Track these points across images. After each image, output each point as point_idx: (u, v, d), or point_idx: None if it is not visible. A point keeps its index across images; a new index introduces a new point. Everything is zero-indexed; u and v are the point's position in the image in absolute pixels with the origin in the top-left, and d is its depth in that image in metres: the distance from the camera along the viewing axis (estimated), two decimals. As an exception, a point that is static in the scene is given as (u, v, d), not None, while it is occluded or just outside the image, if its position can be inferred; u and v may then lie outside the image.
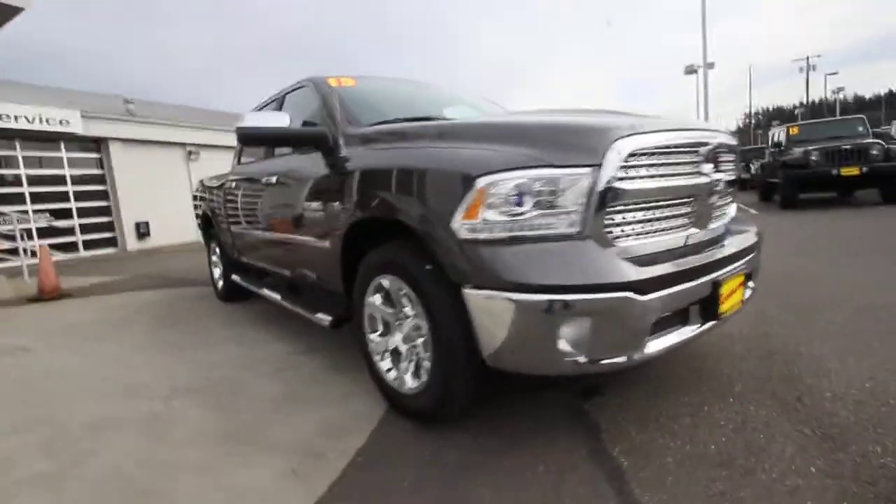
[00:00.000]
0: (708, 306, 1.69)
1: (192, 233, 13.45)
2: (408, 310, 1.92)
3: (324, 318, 2.51)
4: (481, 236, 1.52)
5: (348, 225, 2.10)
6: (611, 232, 1.53)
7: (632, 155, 1.52)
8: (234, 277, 4.09)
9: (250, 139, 2.40)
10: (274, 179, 2.93)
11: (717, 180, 1.82)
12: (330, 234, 2.31)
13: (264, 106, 3.55)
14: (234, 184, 3.72)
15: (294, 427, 2.03)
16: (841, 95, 51.06)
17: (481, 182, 1.50)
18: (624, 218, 1.56)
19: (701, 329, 1.69)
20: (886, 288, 3.27)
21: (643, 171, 1.57)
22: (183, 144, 13.90)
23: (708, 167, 1.77)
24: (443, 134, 1.84)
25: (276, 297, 3.12)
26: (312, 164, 2.52)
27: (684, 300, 1.60)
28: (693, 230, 1.79)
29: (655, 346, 1.54)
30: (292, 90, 3.10)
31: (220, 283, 4.71)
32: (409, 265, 1.78)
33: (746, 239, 1.99)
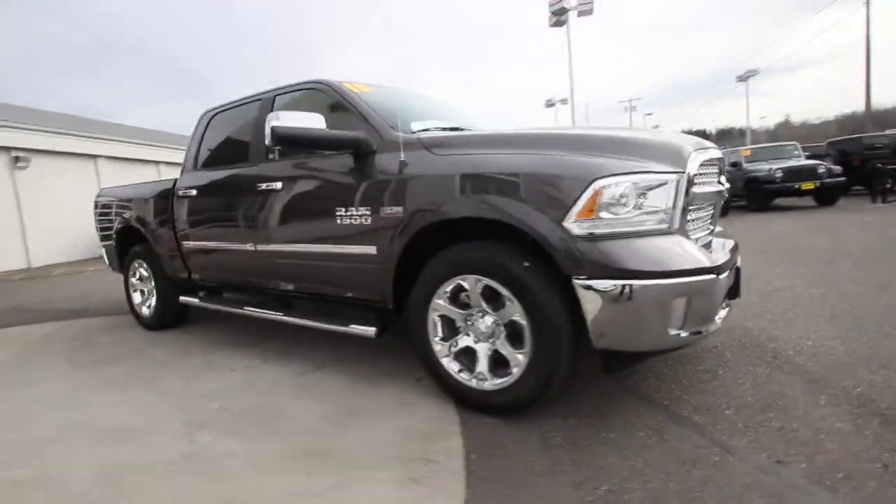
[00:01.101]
0: (732, 288, 2.13)
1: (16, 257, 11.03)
2: (484, 308, 2.02)
3: (364, 329, 2.42)
4: (596, 232, 1.72)
5: (417, 229, 2.11)
6: (687, 228, 1.87)
7: (700, 165, 1.89)
8: (187, 299, 3.57)
9: (285, 139, 2.24)
10: (279, 185, 2.71)
11: (724, 189, 2.31)
12: (379, 241, 2.27)
13: (239, 105, 3.25)
14: (195, 192, 3.30)
15: (372, 440, 1.95)
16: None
17: (597, 184, 1.71)
18: (690, 217, 1.91)
19: (729, 305, 2.12)
20: (787, 275, 4.28)
21: (701, 179, 1.95)
22: (7, 148, 11.35)
23: (721, 178, 2.25)
24: (530, 142, 2.00)
25: (278, 315, 2.86)
26: (342, 169, 2.44)
27: (730, 281, 2.00)
28: (711, 228, 2.24)
29: (718, 319, 1.90)
30: (290, 91, 2.92)
31: (149, 309, 4.03)
32: (507, 263, 1.89)
33: (729, 239, 2.53)
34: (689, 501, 1.44)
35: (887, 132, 13.71)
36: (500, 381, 2.00)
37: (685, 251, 1.76)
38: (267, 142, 2.27)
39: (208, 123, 3.44)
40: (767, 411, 1.93)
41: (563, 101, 30.56)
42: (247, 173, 2.96)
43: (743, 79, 32.41)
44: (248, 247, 2.95)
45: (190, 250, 3.45)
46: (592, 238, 1.72)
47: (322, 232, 2.53)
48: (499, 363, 2.06)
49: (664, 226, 1.77)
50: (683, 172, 1.80)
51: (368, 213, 2.29)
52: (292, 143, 2.28)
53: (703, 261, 1.76)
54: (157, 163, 18.54)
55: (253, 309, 3.05)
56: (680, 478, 1.55)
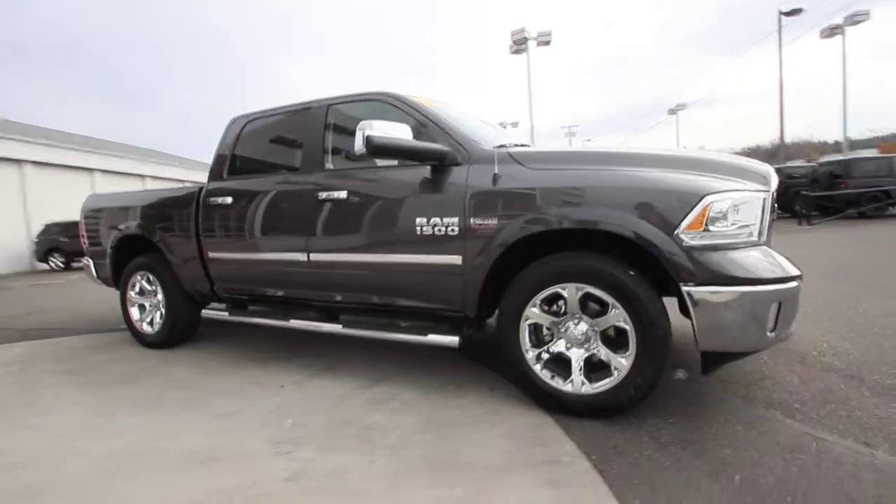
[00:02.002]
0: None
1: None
2: (580, 315, 2.13)
3: (445, 339, 2.42)
4: (704, 243, 1.89)
5: (516, 240, 2.18)
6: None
7: (777, 184, 2.13)
8: (212, 313, 3.35)
9: (379, 149, 2.24)
10: (343, 195, 2.67)
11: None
12: (467, 251, 2.31)
13: (280, 113, 3.16)
14: (230, 199, 3.13)
15: (485, 448, 1.95)
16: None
17: (707, 200, 1.89)
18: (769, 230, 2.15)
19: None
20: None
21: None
22: None
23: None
24: (632, 160, 2.14)
25: (336, 327, 2.77)
26: (419, 180, 2.47)
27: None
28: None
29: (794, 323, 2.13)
30: (349, 101, 2.89)
31: (152, 326, 3.71)
32: (613, 271, 2.01)
33: None
34: (816, 481, 1.60)
35: (800, 163, 15.67)
36: (599, 384, 2.10)
37: (776, 261, 1.97)
38: (359, 150, 2.25)
39: (241, 131, 3.30)
40: (828, 403, 2.18)
41: (514, 125, 32.06)
42: (301, 181, 2.88)
43: (673, 112, 35.74)
44: (300, 257, 2.85)
45: (217, 261, 3.25)
46: (701, 249, 1.89)
47: (397, 242, 2.52)
48: (591, 368, 2.16)
49: (754, 238, 1.98)
50: (769, 191, 2.03)
51: (456, 223, 2.33)
52: (385, 152, 2.28)
53: (791, 269, 1.98)
54: (90, 170, 17.04)
55: (307, 322, 2.92)
56: (796, 463, 1.72)
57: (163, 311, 3.64)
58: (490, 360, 2.97)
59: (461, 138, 2.44)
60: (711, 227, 1.90)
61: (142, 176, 20.13)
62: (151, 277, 3.68)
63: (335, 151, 2.94)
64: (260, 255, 3.04)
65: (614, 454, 1.85)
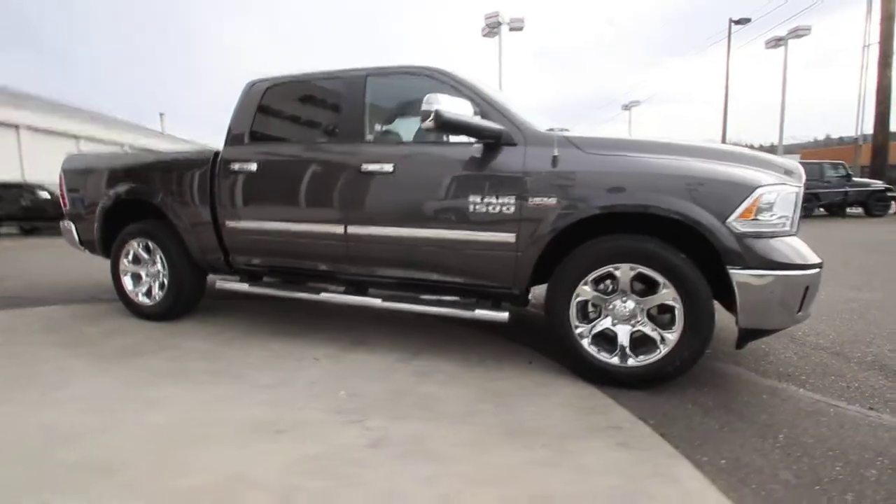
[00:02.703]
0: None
1: None
2: (629, 293, 2.28)
3: (494, 315, 2.50)
4: (752, 230, 2.08)
5: (574, 220, 2.28)
6: (796, 231, 2.33)
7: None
8: (231, 285, 3.20)
9: (447, 124, 2.23)
10: (389, 167, 2.63)
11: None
12: (522, 229, 2.38)
13: (310, 80, 3.04)
14: (254, 166, 2.98)
15: (548, 416, 2.07)
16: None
17: (758, 192, 2.08)
18: (794, 222, 2.38)
19: None
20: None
21: (797, 191, 2.44)
22: None
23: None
24: (686, 151, 2.28)
25: (374, 301, 2.76)
26: (472, 157, 2.50)
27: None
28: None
29: (810, 306, 2.40)
30: (389, 74, 2.83)
31: (149, 297, 3.50)
32: (666, 254, 2.17)
33: None
34: (843, 439, 1.86)
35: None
36: (645, 358, 2.27)
37: (805, 249, 2.21)
38: (426, 124, 2.24)
39: (263, 95, 3.13)
40: (828, 376, 2.49)
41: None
42: (340, 152, 2.80)
43: (627, 107, 37.31)
44: (336, 229, 2.79)
45: (236, 230, 3.10)
46: (749, 236, 2.09)
47: (447, 218, 2.54)
48: (634, 343, 2.33)
49: (788, 228, 2.20)
50: (801, 187, 2.26)
51: (512, 202, 2.39)
52: (451, 127, 2.28)
53: (816, 258, 2.23)
54: (16, 127, 15.26)
55: (343, 296, 2.89)
56: (823, 424, 1.97)
57: (164, 281, 3.43)
58: (515, 335, 3.09)
59: (516, 119, 2.49)
60: (759, 217, 2.10)
61: (76, 137, 18.30)
62: (151, 245, 3.44)
63: (376, 123, 2.88)
64: (288, 225, 2.94)
65: (667, 420, 2.03)
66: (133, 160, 3.53)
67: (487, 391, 2.32)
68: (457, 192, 2.51)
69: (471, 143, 2.52)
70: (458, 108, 2.30)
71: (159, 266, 3.48)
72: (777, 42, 20.50)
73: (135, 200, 3.44)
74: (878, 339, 3.06)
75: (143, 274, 3.56)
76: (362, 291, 2.97)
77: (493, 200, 2.43)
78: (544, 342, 2.96)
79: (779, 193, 2.13)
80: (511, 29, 16.60)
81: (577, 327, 2.37)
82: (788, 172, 2.27)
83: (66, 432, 1.91)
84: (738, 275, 2.09)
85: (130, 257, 3.56)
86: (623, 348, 2.31)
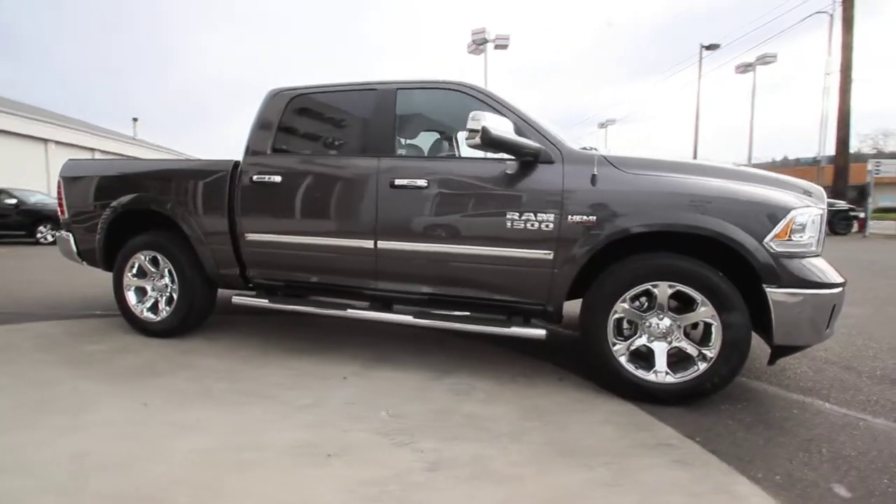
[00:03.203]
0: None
1: None
2: (666, 311, 2.33)
3: (532, 331, 2.50)
4: (787, 250, 2.17)
5: (615, 238, 2.32)
6: (818, 252, 2.44)
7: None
8: (249, 301, 3.08)
9: (492, 141, 2.25)
10: (423, 182, 2.62)
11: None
12: (560, 246, 2.41)
13: (336, 91, 3.01)
14: (279, 178, 2.91)
15: (594, 433, 2.07)
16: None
17: (792, 213, 2.17)
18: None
19: None
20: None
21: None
22: None
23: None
24: (721, 173, 2.36)
25: (406, 318, 2.71)
26: (507, 174, 2.52)
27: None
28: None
29: (831, 323, 2.50)
30: (418, 87, 2.83)
31: (154, 312, 3.34)
32: (705, 272, 2.23)
33: None
34: (882, 451, 1.93)
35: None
36: (683, 374, 2.31)
37: (830, 269, 2.32)
38: (471, 141, 2.25)
39: (286, 105, 3.08)
40: (847, 390, 2.59)
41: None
42: (371, 166, 2.77)
43: (603, 125, 38.54)
44: (366, 244, 2.75)
45: (256, 243, 3.01)
46: (784, 255, 2.18)
47: (484, 234, 2.54)
48: (673, 359, 2.37)
49: (815, 249, 2.31)
50: (824, 209, 2.37)
51: (551, 219, 2.42)
52: (495, 145, 2.30)
53: (840, 277, 2.34)
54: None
55: (373, 313, 2.84)
56: (858, 438, 2.05)
57: (174, 295, 3.28)
58: (537, 352, 3.09)
59: (552, 137, 2.53)
60: (793, 237, 2.19)
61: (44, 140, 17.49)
62: (160, 258, 3.30)
63: (406, 137, 2.88)
64: (314, 239, 2.88)
65: (713, 436, 2.07)
66: (144, 168, 3.39)
67: (528, 409, 2.31)
68: (493, 209, 2.52)
69: (504, 160, 2.55)
70: (501, 125, 2.33)
71: (167, 280, 3.34)
72: (746, 67, 21.73)
73: (145, 211, 3.30)
74: (880, 353, 3.21)
75: (148, 288, 3.41)
76: (387, 308, 2.93)
77: (532, 217, 2.45)
78: (567, 358, 2.98)
79: (809, 215, 2.23)
80: (496, 47, 17.04)
81: (614, 344, 2.40)
82: (808, 193, 2.39)
83: (100, 460, 1.79)
84: (774, 293, 2.17)
85: (135, 271, 3.40)
86: (661, 365, 2.34)
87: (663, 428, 2.14)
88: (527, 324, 2.62)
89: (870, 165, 15.55)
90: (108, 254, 3.47)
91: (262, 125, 3.09)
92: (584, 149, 2.61)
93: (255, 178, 2.97)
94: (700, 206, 2.25)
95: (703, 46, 23.63)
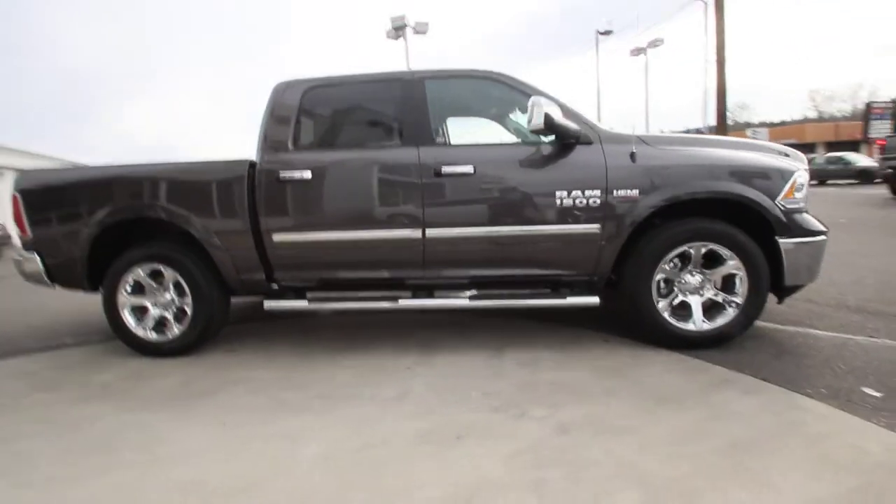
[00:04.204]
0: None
1: None
2: (699, 268, 2.67)
3: (588, 299, 2.71)
4: (793, 206, 2.60)
5: (656, 208, 2.58)
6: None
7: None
8: (280, 304, 2.91)
9: (552, 127, 2.38)
10: (470, 169, 2.67)
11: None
12: (607, 220, 2.62)
13: (357, 82, 2.92)
14: (309, 174, 2.76)
15: (666, 381, 2.34)
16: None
17: (796, 175, 2.59)
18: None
19: None
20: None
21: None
22: None
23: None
24: (732, 144, 2.71)
25: (462, 301, 2.77)
26: (549, 156, 2.68)
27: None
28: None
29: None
30: (448, 77, 2.86)
31: (169, 330, 3.03)
32: (733, 232, 2.57)
33: None
34: (873, 360, 2.42)
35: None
36: (716, 321, 2.67)
37: (818, 219, 2.80)
38: (536, 125, 2.36)
39: (302, 98, 2.92)
40: (822, 318, 3.14)
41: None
42: (410, 156, 2.74)
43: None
44: (413, 234, 2.75)
45: (289, 244, 2.84)
46: (791, 211, 2.60)
47: (535, 214, 2.68)
48: (706, 309, 2.71)
49: (804, 205, 2.77)
50: (807, 168, 2.84)
51: (598, 195, 2.62)
52: (553, 129, 2.43)
53: (824, 226, 2.83)
54: None
55: (427, 301, 2.86)
56: (855, 352, 2.54)
57: (187, 309, 2.99)
58: (560, 319, 3.32)
59: (588, 121, 2.72)
60: (796, 195, 2.62)
61: None
62: (164, 270, 2.99)
63: (440, 125, 2.89)
64: (356, 233, 2.80)
65: (756, 368, 2.42)
66: (141, 173, 2.98)
67: (600, 369, 2.52)
68: (543, 189, 2.66)
69: (543, 143, 2.70)
70: (553, 110, 2.47)
71: (171, 294, 3.04)
72: (639, 51, 24.07)
73: (143, 219, 2.95)
74: (838, 285, 3.87)
75: (149, 305, 3.06)
76: (430, 295, 2.97)
77: (580, 195, 2.63)
78: (598, 323, 3.24)
79: (804, 176, 2.68)
80: (416, 32, 16.98)
81: (658, 302, 2.69)
82: (801, 159, 2.85)
83: (221, 486, 1.68)
84: (784, 243, 2.59)
85: (130, 287, 3.04)
86: (698, 315, 2.68)
87: (715, 368, 2.47)
88: (579, 293, 2.81)
89: (749, 133, 18.09)
90: (95, 272, 3.05)
91: (277, 120, 2.90)
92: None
93: (281, 175, 2.80)
94: (727, 174, 2.59)
95: (598, 32, 25.60)
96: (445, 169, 2.71)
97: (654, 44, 23.12)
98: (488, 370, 2.60)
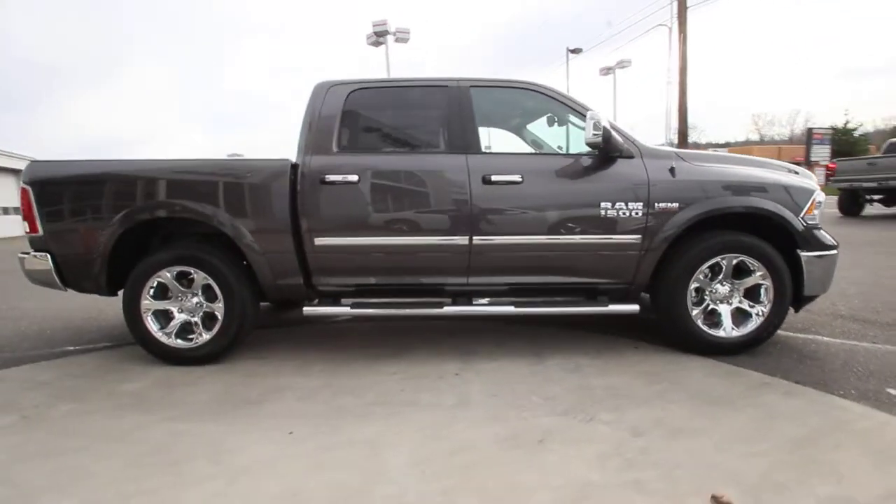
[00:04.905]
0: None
1: None
2: (729, 278, 2.85)
3: (628, 307, 2.82)
4: (812, 222, 2.82)
5: (694, 221, 2.73)
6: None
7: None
8: (320, 310, 2.84)
9: (607, 139, 2.48)
10: (518, 178, 2.73)
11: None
12: (648, 230, 2.75)
13: (400, 87, 2.93)
14: (356, 178, 2.74)
15: (706, 384, 2.47)
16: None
17: (815, 193, 2.82)
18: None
19: None
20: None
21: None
22: None
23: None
24: (758, 163, 2.91)
25: (508, 309, 2.82)
26: (594, 168, 2.79)
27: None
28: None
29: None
30: (492, 86, 2.92)
31: (197, 336, 2.89)
32: (761, 244, 2.76)
33: None
34: (883, 362, 2.66)
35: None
36: (744, 328, 2.85)
37: (831, 235, 3.04)
38: (591, 139, 2.46)
39: (345, 101, 2.89)
40: (824, 327, 3.41)
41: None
42: (459, 163, 2.77)
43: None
44: (461, 240, 2.77)
45: (331, 248, 2.79)
46: (811, 227, 2.82)
47: (579, 224, 2.77)
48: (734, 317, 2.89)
49: (819, 221, 3.01)
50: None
51: (640, 207, 2.75)
52: (606, 143, 2.53)
53: (835, 241, 3.08)
54: None
55: (475, 307, 2.90)
56: (866, 357, 2.77)
57: (218, 314, 2.86)
58: (593, 328, 3.43)
59: (630, 135, 2.85)
60: (815, 212, 2.85)
61: None
62: (194, 273, 2.85)
63: (488, 134, 2.94)
64: (402, 239, 2.79)
65: (786, 372, 2.60)
66: (175, 169, 2.81)
67: (643, 374, 2.62)
68: (588, 200, 2.76)
69: (584, 155, 2.80)
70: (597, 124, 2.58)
71: (199, 298, 2.90)
72: (608, 70, 25.21)
73: (174, 220, 2.81)
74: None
75: (174, 310, 2.91)
76: (468, 302, 2.99)
77: (623, 206, 2.75)
78: (624, 330, 3.36)
79: (821, 194, 2.92)
80: (397, 40, 17.01)
81: (692, 310, 2.84)
82: (795, 173, 3.09)
83: (318, 497, 1.62)
84: (805, 256, 2.81)
85: (154, 291, 2.88)
86: (728, 323, 2.85)
87: (750, 373, 2.63)
88: (617, 302, 2.92)
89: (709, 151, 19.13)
90: (116, 274, 2.87)
91: (320, 122, 2.86)
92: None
93: (328, 178, 2.75)
94: (756, 190, 2.78)
95: (569, 50, 26.55)
96: (495, 177, 2.76)
97: (622, 64, 24.37)
98: (536, 376, 2.64)
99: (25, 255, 2.93)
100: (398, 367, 2.82)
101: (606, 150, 2.73)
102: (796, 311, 3.06)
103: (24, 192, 2.85)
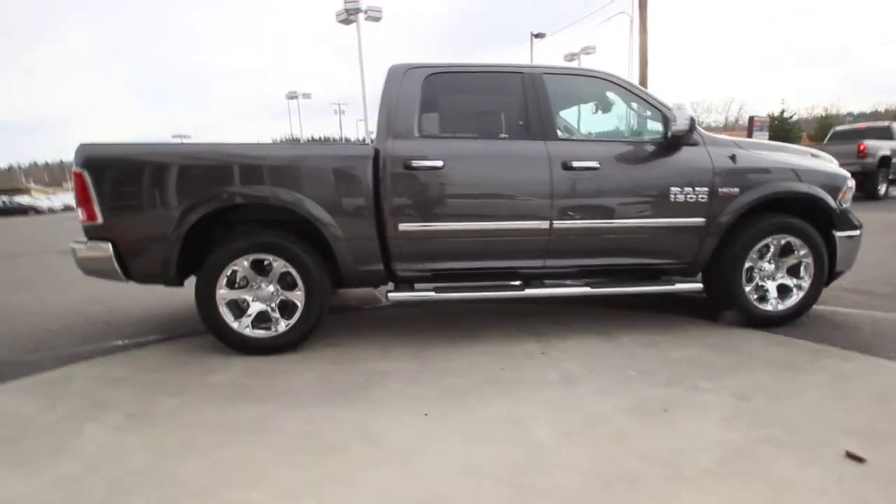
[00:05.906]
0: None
1: None
2: (774, 257, 3.13)
3: (693, 285, 3.04)
4: (845, 206, 3.15)
5: (753, 204, 2.97)
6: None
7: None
8: (403, 295, 2.85)
9: (691, 131, 2.66)
10: (596, 164, 2.85)
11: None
12: (711, 214, 2.96)
13: (477, 72, 2.95)
14: (441, 163, 2.74)
15: (767, 351, 2.74)
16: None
17: (848, 179, 3.14)
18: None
19: None
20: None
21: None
22: None
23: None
24: (798, 151, 3.18)
25: (584, 289, 2.96)
26: (664, 155, 2.95)
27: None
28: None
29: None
30: (565, 73, 3.01)
31: (275, 325, 2.83)
32: (804, 226, 3.05)
33: None
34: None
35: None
36: (788, 302, 3.15)
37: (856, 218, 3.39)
38: (681, 129, 2.62)
39: (422, 85, 2.87)
40: (839, 299, 3.82)
41: (306, 96, 30.52)
42: (539, 149, 2.85)
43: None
44: (541, 225, 2.86)
45: (414, 234, 2.79)
46: (844, 210, 3.15)
47: (651, 208, 2.94)
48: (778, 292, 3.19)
49: (850, 204, 3.35)
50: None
51: (705, 191, 2.95)
52: (690, 132, 2.70)
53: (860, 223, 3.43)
54: None
55: (554, 289, 3.04)
56: (887, 324, 3.16)
57: (298, 303, 2.80)
58: (646, 306, 3.65)
59: (693, 125, 3.03)
60: (847, 196, 3.18)
61: None
62: (272, 261, 2.77)
63: (559, 120, 3.02)
64: (486, 224, 2.84)
65: (831, 340, 2.89)
66: (253, 154, 2.70)
67: (713, 347, 2.85)
68: (659, 185, 2.93)
69: (655, 142, 2.97)
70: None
71: (274, 286, 2.84)
72: (572, 56, 25.72)
73: (255, 207, 2.71)
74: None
75: (249, 299, 2.83)
76: (539, 284, 3.11)
77: (691, 191, 2.94)
78: (679, 307, 3.59)
79: (852, 180, 3.25)
80: (367, 18, 16.43)
81: (745, 287, 3.10)
82: (815, 157, 3.41)
83: (503, 467, 1.70)
84: (839, 235, 3.14)
85: (227, 281, 2.78)
86: (774, 298, 3.15)
87: (799, 342, 2.92)
88: (683, 280, 3.14)
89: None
90: (187, 264, 2.74)
91: (399, 105, 2.83)
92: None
93: (413, 163, 2.74)
94: (804, 176, 3.06)
95: (532, 34, 26.79)
96: (575, 163, 2.86)
97: (587, 51, 25.00)
98: (617, 351, 2.81)
99: (80, 245, 2.72)
100: (483, 348, 2.90)
101: (682, 139, 2.90)
102: (826, 285, 3.42)
103: (79, 176, 2.63)
